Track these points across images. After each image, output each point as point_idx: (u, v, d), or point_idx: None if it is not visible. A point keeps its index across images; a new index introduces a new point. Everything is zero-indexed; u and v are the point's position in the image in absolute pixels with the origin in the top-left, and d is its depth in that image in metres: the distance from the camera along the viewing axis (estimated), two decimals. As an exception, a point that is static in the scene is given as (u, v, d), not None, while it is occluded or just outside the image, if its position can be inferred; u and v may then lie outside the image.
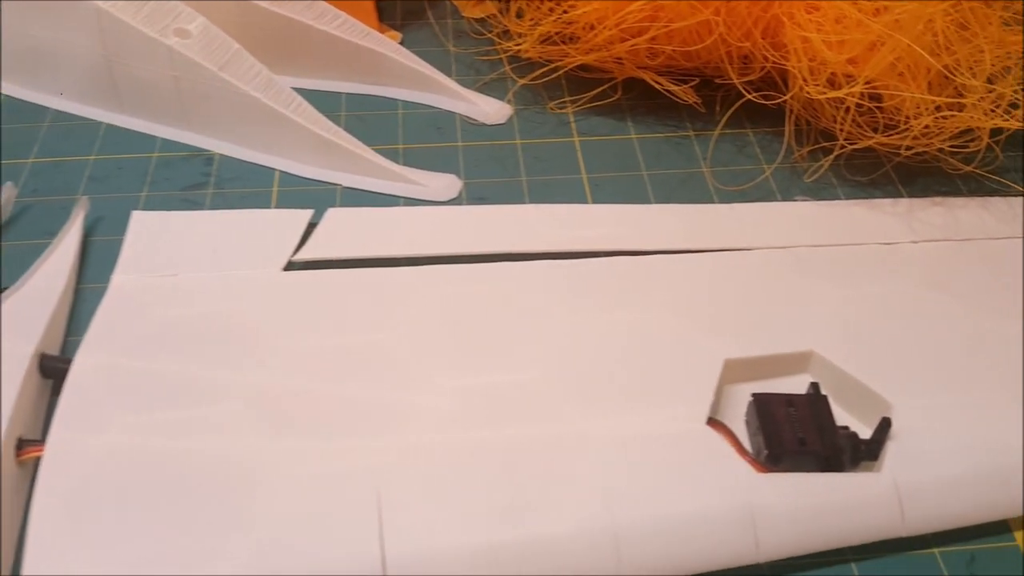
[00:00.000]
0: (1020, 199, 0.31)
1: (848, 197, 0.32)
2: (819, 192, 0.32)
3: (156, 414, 0.23)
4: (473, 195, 0.32)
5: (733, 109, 0.33)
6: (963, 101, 0.28)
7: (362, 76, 0.36)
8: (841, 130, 0.30)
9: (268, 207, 0.31)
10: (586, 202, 0.32)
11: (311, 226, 0.30)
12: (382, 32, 0.39)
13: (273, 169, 0.33)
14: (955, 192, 0.32)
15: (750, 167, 0.33)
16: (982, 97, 0.28)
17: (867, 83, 0.29)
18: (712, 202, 0.32)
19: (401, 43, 0.38)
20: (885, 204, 0.31)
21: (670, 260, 0.28)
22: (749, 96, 0.32)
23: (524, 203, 0.31)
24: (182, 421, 0.23)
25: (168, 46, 0.31)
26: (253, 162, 0.33)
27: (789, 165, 0.33)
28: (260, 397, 0.24)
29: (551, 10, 0.33)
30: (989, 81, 0.28)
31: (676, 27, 0.32)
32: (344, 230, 0.29)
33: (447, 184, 0.32)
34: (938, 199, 0.31)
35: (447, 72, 0.37)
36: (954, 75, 0.28)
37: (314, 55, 0.36)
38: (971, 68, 0.28)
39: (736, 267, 0.28)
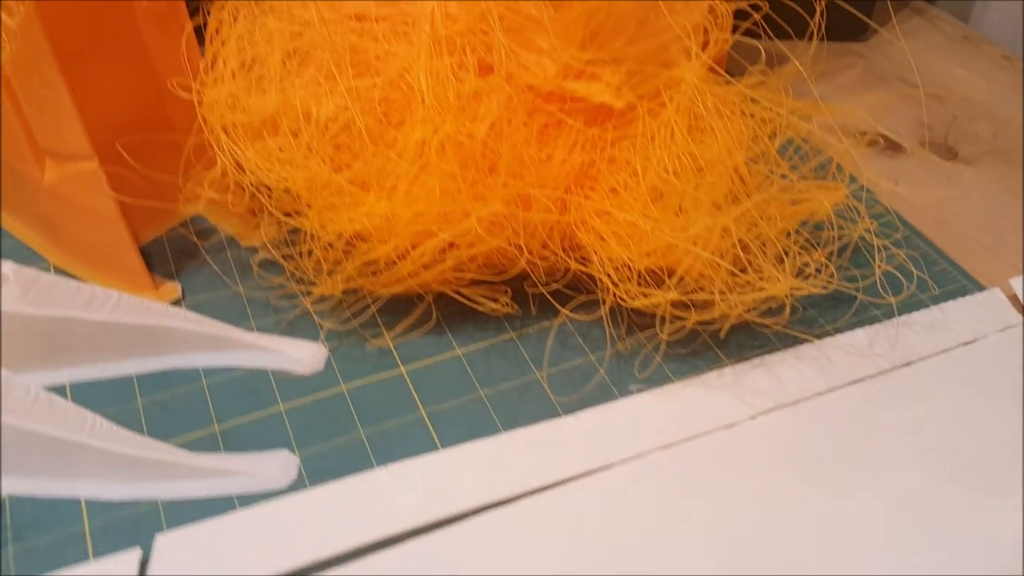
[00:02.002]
0: (827, 339, 0.33)
1: (675, 374, 0.32)
2: (649, 373, 0.33)
3: None
4: (313, 470, 0.30)
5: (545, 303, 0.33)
6: (761, 281, 0.30)
7: (151, 351, 0.33)
8: (660, 320, 0.31)
9: (84, 550, 0.27)
10: (432, 444, 0.30)
11: (143, 564, 0.26)
12: (156, 287, 0.35)
13: (78, 499, 0.29)
14: (768, 346, 0.33)
15: (579, 361, 0.33)
16: (775, 269, 0.30)
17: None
18: (555, 413, 0.31)
19: (182, 295, 0.35)
20: (712, 378, 0.32)
21: (537, 502, 0.28)
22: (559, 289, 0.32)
23: (370, 465, 0.30)
24: None
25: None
26: (52, 496, 0.29)
27: (615, 352, 0.33)
28: None
29: (346, 252, 0.32)
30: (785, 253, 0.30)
31: (476, 251, 0.31)
32: (183, 559, 0.26)
33: (281, 465, 0.30)
34: (756, 360, 0.33)
35: (243, 319, 0.34)
36: (749, 260, 0.30)
37: (91, 345, 0.32)
38: (762, 248, 0.30)
39: (602, 494, 0.28)
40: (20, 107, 0.32)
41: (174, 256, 0.37)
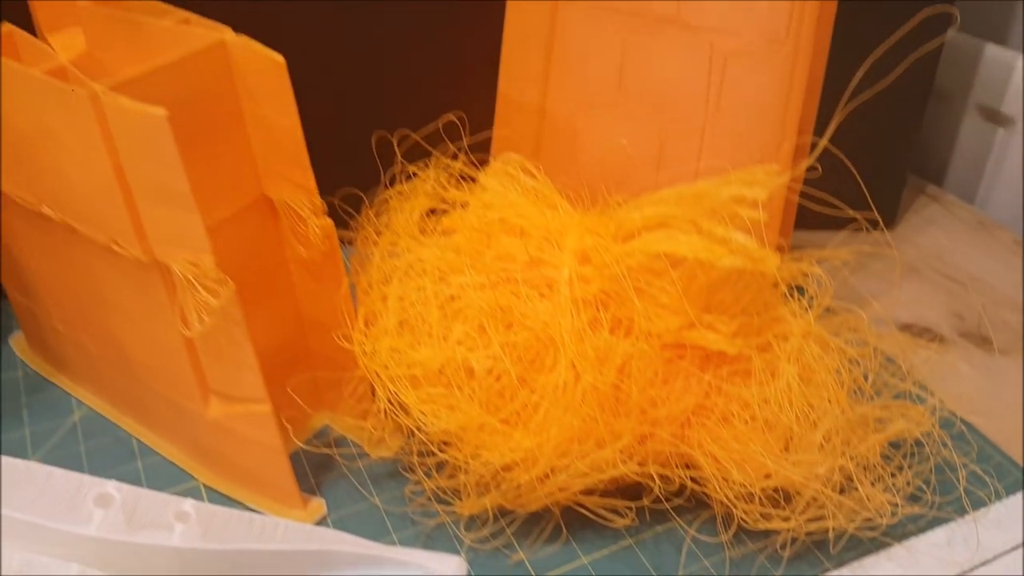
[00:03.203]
0: (912, 540, 0.38)
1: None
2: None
3: None
4: None
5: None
6: (865, 502, 0.34)
7: (311, 571, 0.36)
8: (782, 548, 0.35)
9: None
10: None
11: None
12: (304, 505, 0.39)
13: None
14: (860, 547, 0.38)
15: (694, 568, 0.37)
16: (875, 490, 0.34)
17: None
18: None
19: (326, 512, 0.39)
20: (827, 578, 0.36)
21: None
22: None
23: None
24: None
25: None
26: None
27: (727, 558, 0.37)
28: None
29: (496, 478, 0.36)
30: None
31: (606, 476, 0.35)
32: None
33: (455, 567, 0.33)
34: (855, 563, 0.37)
35: (383, 532, 0.38)
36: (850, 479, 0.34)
37: (261, 570, 0.35)
38: (861, 469, 0.35)
39: None
40: (195, 354, 0.37)
41: (312, 470, 0.41)
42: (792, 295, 0.35)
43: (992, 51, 0.59)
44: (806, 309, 0.34)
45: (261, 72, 0.33)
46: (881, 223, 0.56)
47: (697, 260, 0.33)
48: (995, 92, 0.59)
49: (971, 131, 0.61)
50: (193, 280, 0.33)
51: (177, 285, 0.33)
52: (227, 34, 0.33)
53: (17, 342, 0.47)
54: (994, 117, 0.60)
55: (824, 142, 0.33)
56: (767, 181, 0.32)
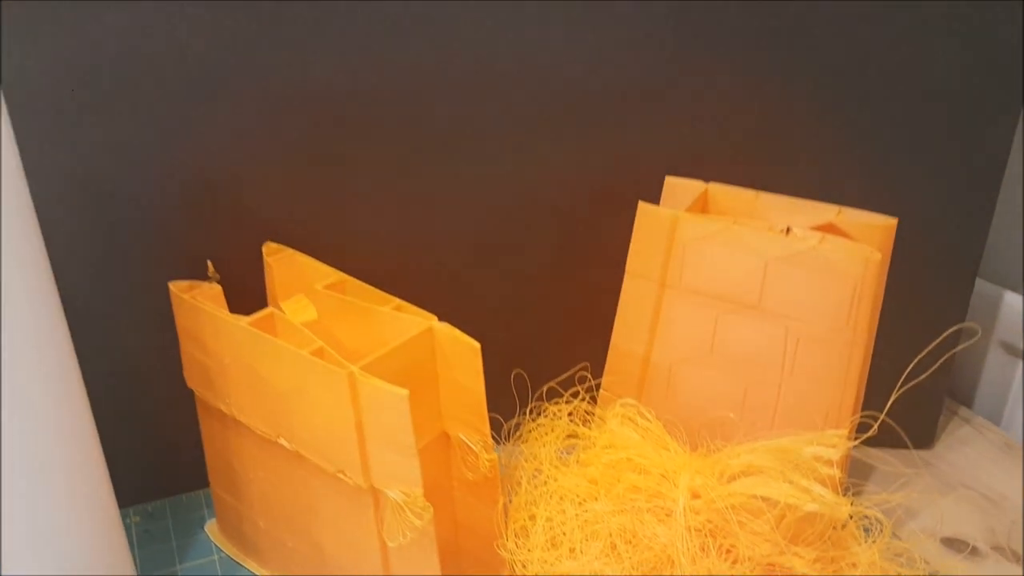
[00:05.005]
0: None
1: None
2: None
3: None
4: None
5: None
6: None
7: None
8: None
9: None
10: None
11: None
12: None
13: None
14: None
15: None
16: None
17: None
18: None
19: None
20: None
21: None
22: None
23: None
24: None
25: None
26: None
27: None
28: None
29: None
30: None
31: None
32: None
33: None
34: None
35: None
36: None
37: None
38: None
39: None
40: (386, 556, 0.47)
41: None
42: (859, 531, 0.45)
43: (1010, 297, 0.70)
44: (871, 542, 0.44)
45: (459, 352, 0.45)
46: (921, 442, 0.67)
47: (786, 503, 0.43)
48: (1014, 331, 0.70)
49: (995, 362, 0.72)
50: (403, 505, 0.43)
51: (386, 507, 0.44)
52: (433, 321, 0.45)
53: (212, 528, 0.58)
54: (1014, 351, 0.71)
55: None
56: (839, 444, 0.43)
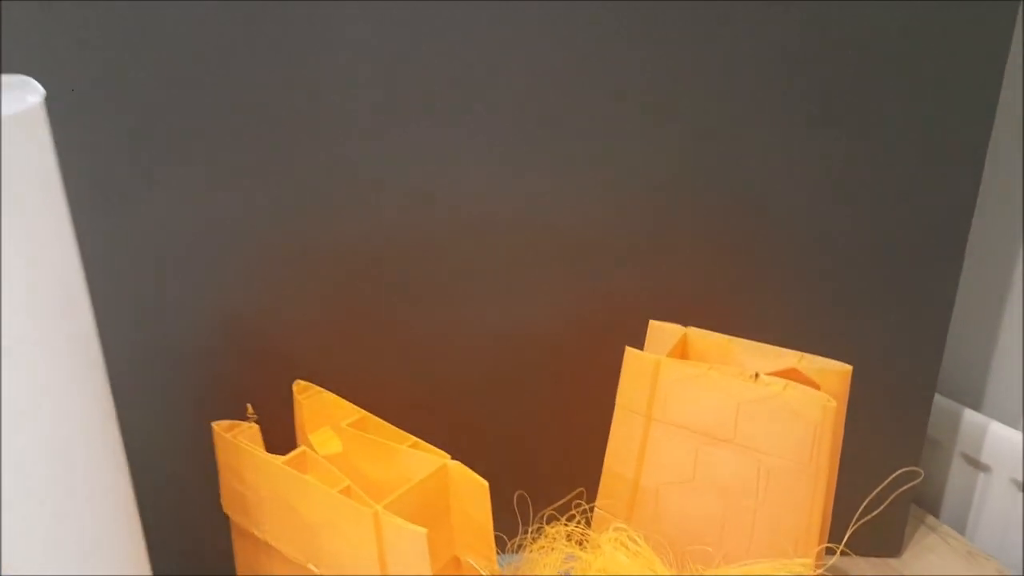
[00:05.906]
0: None
1: None
2: None
3: None
4: None
5: None
6: None
7: None
8: None
9: None
10: None
11: None
12: None
13: None
14: None
15: None
16: None
17: None
18: None
19: None
20: None
21: None
22: None
23: None
24: None
25: None
26: None
27: None
28: None
29: None
30: None
31: None
32: None
33: None
34: None
35: None
36: None
37: None
38: None
39: None
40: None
41: None
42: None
43: (968, 414, 0.77)
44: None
45: (470, 489, 0.51)
46: (889, 550, 0.72)
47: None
48: (974, 445, 0.76)
49: (958, 473, 0.78)
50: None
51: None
52: (447, 460, 0.52)
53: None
54: (975, 464, 0.77)
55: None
56: (805, 572, 0.49)
